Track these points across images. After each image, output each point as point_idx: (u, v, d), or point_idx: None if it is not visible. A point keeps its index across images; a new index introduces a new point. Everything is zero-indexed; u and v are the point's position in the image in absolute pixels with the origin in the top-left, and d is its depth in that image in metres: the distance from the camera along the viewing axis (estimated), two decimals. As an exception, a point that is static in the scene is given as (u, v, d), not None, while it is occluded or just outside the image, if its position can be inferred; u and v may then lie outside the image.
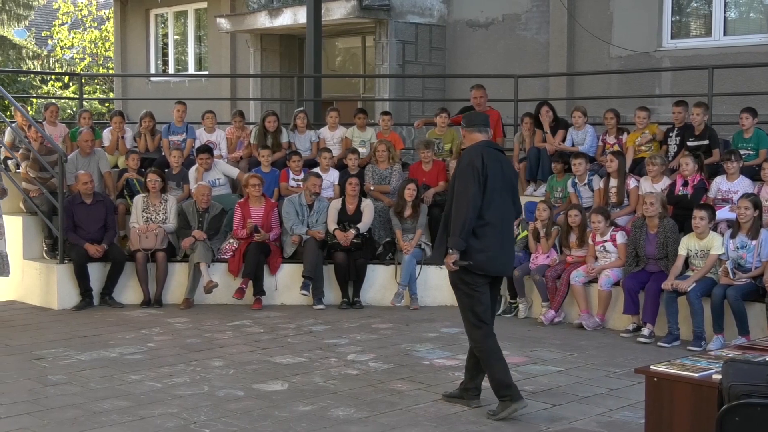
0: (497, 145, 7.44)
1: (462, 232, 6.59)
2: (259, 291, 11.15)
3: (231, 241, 11.44)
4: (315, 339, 9.45)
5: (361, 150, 12.64)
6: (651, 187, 10.35)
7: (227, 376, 7.93)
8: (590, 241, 10.22)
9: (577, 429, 6.50)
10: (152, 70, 22.34)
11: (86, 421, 6.63)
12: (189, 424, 6.58)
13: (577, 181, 11.10)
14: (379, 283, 11.46)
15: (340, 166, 12.37)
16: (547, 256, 10.50)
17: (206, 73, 21.07)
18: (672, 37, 14.53)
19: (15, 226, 11.73)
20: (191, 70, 21.81)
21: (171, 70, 22.37)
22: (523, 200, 11.37)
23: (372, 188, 12.03)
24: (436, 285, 11.39)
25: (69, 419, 6.68)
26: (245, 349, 8.98)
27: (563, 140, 12.05)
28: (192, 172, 12.16)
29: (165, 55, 22.50)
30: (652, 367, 5.09)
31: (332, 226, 11.39)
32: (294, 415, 6.81)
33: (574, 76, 15.29)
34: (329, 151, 12.31)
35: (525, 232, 10.73)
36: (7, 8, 36.49)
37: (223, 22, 19.12)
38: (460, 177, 6.74)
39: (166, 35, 22.42)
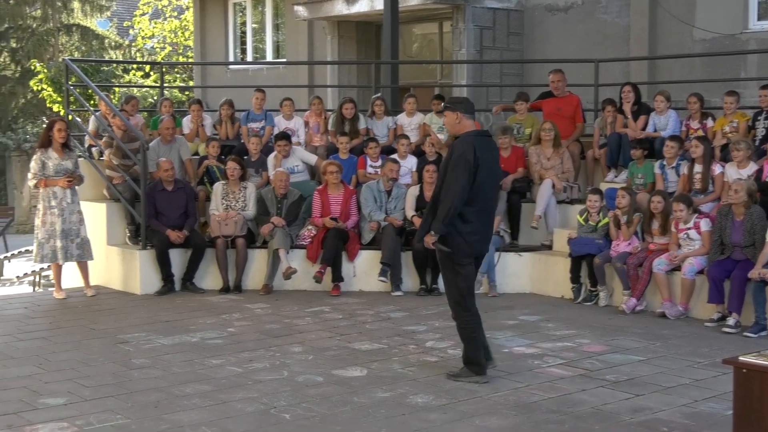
0: (487, 132, 7.84)
1: (446, 219, 7.03)
2: (337, 277, 11.18)
3: (309, 227, 11.48)
4: (393, 325, 9.44)
5: (439, 136, 12.57)
6: (737, 173, 10.10)
7: (306, 361, 7.96)
8: (673, 229, 10.02)
9: (661, 420, 6.38)
10: (231, 59, 22.53)
11: (169, 405, 6.71)
12: (269, 409, 6.62)
13: (665, 164, 10.88)
14: (458, 270, 11.38)
15: (418, 152, 12.33)
16: (629, 244, 10.32)
17: (284, 60, 21.17)
18: (759, 19, 14.17)
19: (99, 212, 11.94)
20: (269, 57, 21.94)
21: (249, 58, 22.53)
22: (604, 187, 11.29)
23: (450, 174, 11.95)
24: (514, 272, 11.30)
25: (152, 402, 6.77)
26: (324, 335, 9.01)
27: (645, 126, 11.84)
28: (271, 159, 12.23)
29: (243, 43, 22.66)
30: (740, 358, 4.97)
31: (410, 212, 11.36)
32: (373, 401, 6.80)
33: (656, 60, 15.00)
34: (407, 137, 12.28)
35: (606, 219, 10.56)
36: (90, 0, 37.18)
37: (301, 10, 19.18)
38: (452, 167, 7.05)
39: (244, 23, 22.58)
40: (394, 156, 12.00)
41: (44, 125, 11.95)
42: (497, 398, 6.87)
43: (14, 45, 37.68)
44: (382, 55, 16.14)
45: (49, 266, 12.87)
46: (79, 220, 11.04)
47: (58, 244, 10.88)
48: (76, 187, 11.17)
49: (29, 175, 11.09)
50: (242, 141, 12.98)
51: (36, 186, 11.07)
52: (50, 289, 12.89)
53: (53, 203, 10.90)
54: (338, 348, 8.45)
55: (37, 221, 11.09)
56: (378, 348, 8.43)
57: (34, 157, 11.05)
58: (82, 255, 11.09)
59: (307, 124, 13.26)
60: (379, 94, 13.54)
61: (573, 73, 13.56)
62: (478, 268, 7.70)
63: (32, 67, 28.93)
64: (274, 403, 6.73)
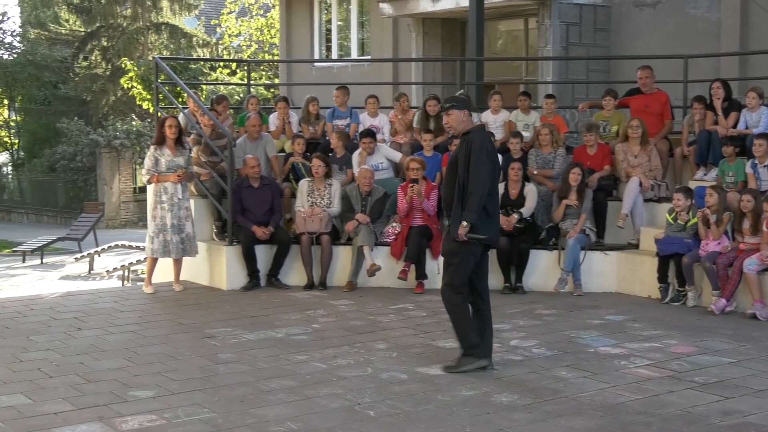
0: (486, 128, 8.26)
1: (479, 208, 7.37)
2: (421, 275, 11.18)
3: (394, 224, 11.50)
4: (477, 324, 9.39)
5: (524, 134, 12.49)
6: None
7: (390, 358, 7.98)
8: (765, 228, 9.79)
9: (752, 423, 6.24)
10: (316, 56, 22.68)
11: (254, 399, 6.78)
12: (353, 405, 6.65)
13: (757, 162, 10.64)
14: (542, 268, 11.31)
15: (503, 150, 12.25)
16: (718, 243, 10.11)
17: (368, 57, 21.23)
18: None
19: (186, 208, 12.13)
20: (354, 55, 22.02)
21: (334, 55, 22.66)
22: (693, 185, 11.08)
23: (535, 172, 11.88)
24: (600, 271, 11.17)
25: (238, 397, 6.85)
26: (408, 332, 9.02)
27: (736, 123, 11.58)
28: (355, 156, 12.28)
29: (328, 40, 22.79)
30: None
31: (495, 210, 11.30)
32: (457, 399, 6.78)
33: (748, 56, 14.68)
34: (492, 134, 12.21)
35: (695, 219, 10.37)
36: (179, -2, 37.77)
37: (386, 7, 19.21)
38: (476, 157, 7.38)
39: (329, 21, 22.71)
40: (479, 153, 11.93)
41: (140, 122, 12.16)
42: (583, 398, 6.79)
43: (105, 44, 38.48)
44: (467, 52, 16.08)
45: (139, 260, 13.12)
46: (186, 216, 11.23)
47: (168, 238, 11.10)
48: (188, 184, 11.39)
49: (143, 171, 11.35)
50: (327, 138, 13.06)
51: (149, 181, 11.31)
52: (139, 283, 13.17)
53: (164, 198, 11.12)
54: (422, 346, 8.45)
55: (149, 216, 11.32)
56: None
57: (148, 153, 11.35)
58: (185, 250, 11.28)
59: (392, 122, 13.27)
60: (463, 91, 13.49)
61: (661, 70, 13.34)
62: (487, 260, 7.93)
63: (123, 66, 29.53)
64: (359, 400, 6.76)
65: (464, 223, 7.37)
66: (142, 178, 11.71)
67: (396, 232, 11.40)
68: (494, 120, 12.94)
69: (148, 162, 11.33)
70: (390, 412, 6.49)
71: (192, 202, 12.09)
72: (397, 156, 12.50)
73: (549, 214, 11.57)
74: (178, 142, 11.29)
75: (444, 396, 6.86)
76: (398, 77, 19.83)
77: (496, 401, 6.73)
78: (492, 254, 11.02)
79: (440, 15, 18.85)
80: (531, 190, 11.40)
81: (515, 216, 11.13)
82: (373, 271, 11.10)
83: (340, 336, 8.83)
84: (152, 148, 11.32)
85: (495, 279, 11.13)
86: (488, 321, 7.73)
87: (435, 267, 11.34)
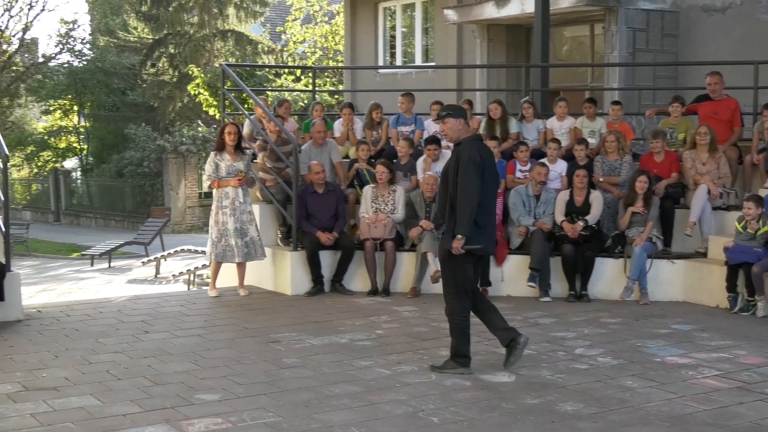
0: (481, 137, 8.32)
1: (470, 220, 7.46)
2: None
3: (458, 231, 11.46)
4: (542, 332, 9.34)
5: (590, 140, 12.39)
6: None
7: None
8: (837, 237, 9.59)
9: (824, 436, 6.12)
10: (380, 63, 22.74)
11: (319, 404, 6.81)
12: (417, 411, 6.64)
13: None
14: (608, 276, 11.20)
15: (569, 156, 12.16)
16: (789, 252, 9.93)
17: (433, 64, 21.24)
18: None
19: (252, 214, 12.23)
20: (418, 61, 22.05)
21: (398, 62, 22.70)
22: (763, 193, 10.90)
23: (601, 179, 11.76)
24: (667, 279, 11.03)
25: (303, 401, 6.88)
26: (472, 339, 8.92)
27: (808, 130, 11.38)
28: (420, 162, 12.28)
29: (392, 47, 22.85)
30: None
31: (560, 217, 11.23)
32: (521, 407, 6.74)
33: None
34: (557, 141, 12.14)
35: (765, 227, 10.19)
36: (245, 5, 38.18)
37: (450, 14, 19.21)
38: (463, 171, 7.48)
39: (393, 28, 22.77)
40: (544, 160, 11.88)
41: (206, 128, 12.31)
42: (650, 408, 6.71)
43: (172, 51, 39.00)
44: (532, 58, 16.02)
45: (204, 264, 13.26)
46: (249, 220, 11.33)
47: (231, 242, 11.22)
48: (248, 189, 11.51)
49: (204, 177, 11.46)
50: (392, 144, 13.08)
51: (210, 187, 11.45)
52: (204, 287, 13.29)
53: (225, 203, 11.24)
54: (486, 353, 8.41)
55: (211, 221, 11.45)
56: (526, 354, 8.31)
57: (209, 159, 11.47)
58: (250, 254, 11.37)
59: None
60: (528, 98, 13.43)
61: (731, 76, 13.14)
62: (484, 267, 8.13)
63: (189, 72, 29.88)
64: (423, 406, 6.75)
65: (458, 236, 7.48)
66: (204, 183, 11.82)
67: (460, 238, 11.36)
68: (559, 127, 12.85)
69: (208, 168, 11.47)
70: (454, 419, 6.48)
71: (257, 207, 12.19)
72: (461, 162, 12.46)
73: (615, 221, 11.45)
74: (238, 148, 11.41)
75: (508, 404, 6.82)
76: (462, 84, 19.80)
77: (561, 410, 6.68)
78: (557, 262, 11.06)
79: (505, 21, 18.80)
80: (597, 198, 11.30)
81: (580, 223, 11.03)
82: (437, 277, 11.08)
83: (403, 342, 8.83)
84: (213, 154, 11.46)
85: (560, 287, 11.10)
86: (491, 309, 8.00)
87: (499, 274, 11.30)
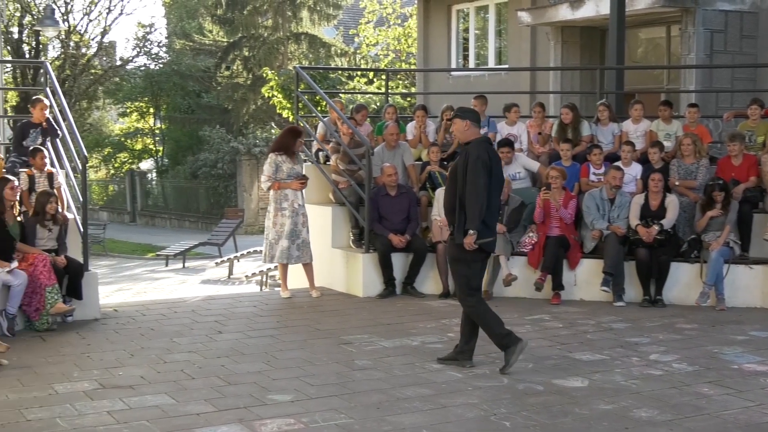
0: (490, 140, 8.42)
1: (480, 216, 7.72)
2: (558, 285, 11.06)
3: (531, 234, 11.40)
4: (615, 336, 9.24)
5: (665, 144, 12.22)
6: None
7: (526, 369, 7.91)
8: None
9: None
10: (453, 65, 22.69)
11: (390, 407, 6.82)
12: (489, 415, 6.62)
13: None
14: (683, 281, 11.03)
15: (644, 160, 12.01)
16: None
17: (506, 66, 21.13)
18: None
19: (324, 215, 12.30)
20: (491, 64, 21.95)
21: (471, 64, 22.63)
22: None
23: (677, 183, 11.60)
24: (744, 285, 10.84)
25: (374, 403, 6.90)
26: (544, 343, 8.92)
27: None
28: (492, 165, 12.21)
29: (465, 49, 22.79)
30: None
31: (634, 221, 11.10)
32: (595, 413, 6.68)
33: None
34: (631, 144, 12.00)
35: None
36: (318, 8, 38.40)
37: (524, 16, 19.10)
38: (472, 169, 7.73)
39: (466, 30, 22.71)
40: (618, 163, 11.75)
41: (279, 130, 12.43)
42: (726, 416, 6.60)
43: (246, 53, 39.38)
44: (606, 60, 15.86)
45: (276, 266, 13.36)
46: (302, 223, 11.41)
47: (285, 244, 11.30)
48: (305, 191, 11.59)
49: (263, 178, 11.54)
50: (464, 147, 13.02)
51: (269, 188, 11.50)
52: (276, 288, 13.39)
53: (284, 205, 11.32)
54: (558, 357, 8.35)
55: (268, 222, 11.52)
56: (599, 359, 8.28)
57: (268, 160, 11.49)
58: (301, 257, 11.45)
59: (529, 131, 13.17)
60: (603, 100, 13.29)
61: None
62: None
63: (264, 75, 30.13)
64: (494, 410, 6.72)
65: (471, 232, 7.71)
66: (262, 185, 11.90)
67: (533, 241, 11.31)
68: (635, 129, 12.69)
69: (268, 168, 11.45)
70: (526, 423, 6.44)
71: (329, 209, 12.27)
72: (534, 166, 12.39)
73: (691, 225, 11.29)
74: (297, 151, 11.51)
75: (581, 409, 6.76)
76: (535, 86, 19.67)
77: (635, 416, 6.60)
78: (631, 266, 10.93)
79: (579, 23, 18.63)
80: (672, 201, 11.14)
81: (656, 227, 10.89)
82: (509, 280, 11.04)
83: (476, 345, 8.77)
84: (273, 155, 11.45)
85: (634, 291, 10.97)
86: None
87: (572, 278, 11.21)
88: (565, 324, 9.82)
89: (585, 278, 11.24)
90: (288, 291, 11.51)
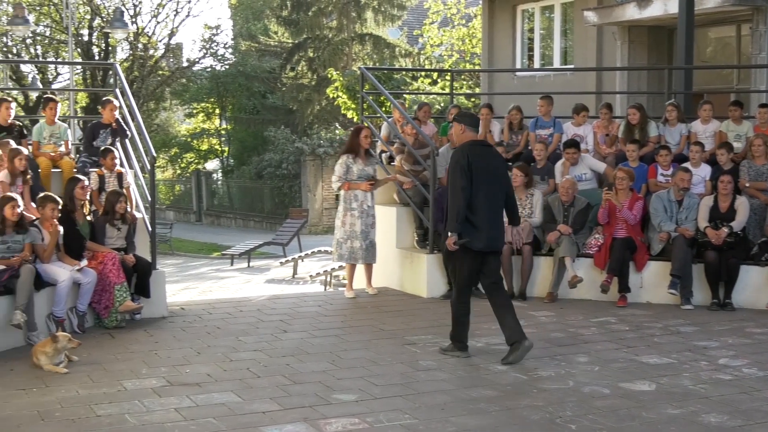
0: (484, 142, 8.76)
1: (458, 218, 8.00)
2: (624, 288, 10.93)
3: (597, 236, 11.29)
4: (683, 340, 9.11)
5: (735, 144, 12.02)
6: None
7: (592, 372, 7.83)
8: None
9: None
10: (518, 65, 22.57)
11: (455, 408, 6.80)
12: (554, 418, 6.56)
13: None
14: (754, 284, 10.83)
15: (713, 161, 11.82)
16: None
17: (571, 67, 20.96)
18: None
19: (389, 216, 12.30)
20: (556, 64, 21.79)
21: (536, 64, 22.49)
22: None
23: (747, 185, 11.40)
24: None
25: (439, 404, 6.88)
26: (610, 346, 8.83)
27: None
28: (558, 166, 12.14)
29: (530, 49, 22.66)
30: None
31: (703, 223, 10.93)
32: (662, 417, 6.59)
33: None
34: (700, 145, 11.82)
35: None
36: (383, 9, 38.48)
37: (590, 15, 18.94)
38: (451, 173, 8.11)
39: (531, 30, 22.58)
40: (686, 164, 11.58)
41: (344, 131, 12.48)
42: (798, 423, 6.47)
43: (311, 54, 39.61)
44: (675, 60, 15.67)
45: (341, 266, 13.42)
46: (371, 224, 11.45)
47: (356, 244, 11.35)
48: (375, 193, 11.63)
49: (334, 178, 11.61)
50: (529, 148, 12.96)
51: (339, 189, 11.57)
52: (340, 288, 13.45)
53: (354, 205, 11.37)
54: (625, 360, 8.25)
55: (338, 222, 11.59)
56: (667, 362, 8.16)
57: (340, 161, 11.56)
58: (367, 257, 11.50)
59: (595, 132, 13.04)
60: (672, 101, 13.12)
61: None
62: (495, 263, 8.48)
63: (328, 75, 30.26)
64: (560, 413, 6.67)
65: (450, 234, 8.11)
66: (333, 185, 11.96)
67: (599, 243, 11.20)
68: (704, 130, 12.50)
69: (339, 169, 11.53)
70: (592, 426, 6.38)
71: (394, 209, 12.27)
72: (601, 167, 12.26)
73: (762, 228, 11.09)
74: (368, 152, 11.49)
75: (649, 413, 6.67)
76: (602, 86, 19.49)
77: (704, 421, 6.50)
78: (699, 269, 10.77)
79: (647, 23, 18.42)
80: (742, 204, 10.95)
81: (725, 230, 10.71)
82: (574, 282, 10.95)
83: (540, 347, 8.72)
84: (344, 156, 11.54)
85: (702, 295, 10.82)
86: (506, 306, 8.36)
87: (639, 280, 11.08)
88: (631, 327, 9.71)
89: (652, 281, 11.10)
90: (352, 291, 11.55)
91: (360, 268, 11.80)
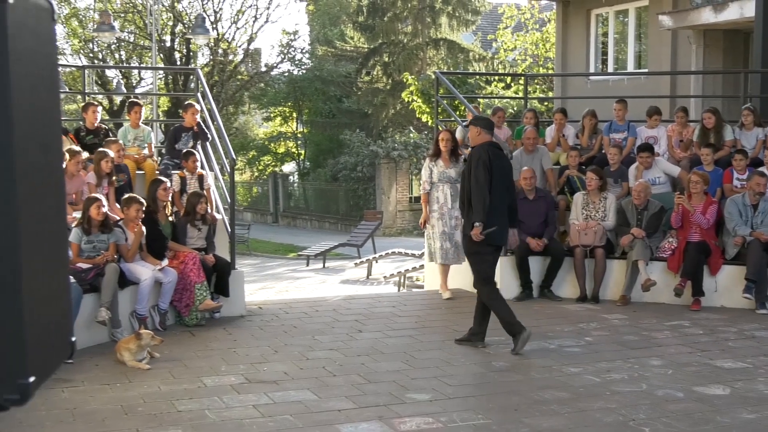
0: (497, 144, 8.91)
1: (484, 209, 8.37)
2: (698, 291, 10.76)
3: (670, 239, 11.14)
4: (758, 345, 8.93)
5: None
6: None
7: (666, 375, 7.73)
8: None
9: None
10: (591, 69, 22.35)
11: (527, 409, 6.76)
12: (627, 421, 6.48)
13: None
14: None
15: (790, 165, 11.58)
16: None
17: (645, 70, 20.69)
18: None
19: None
20: (630, 68, 21.54)
21: (610, 68, 22.25)
22: None
23: (824, 189, 11.14)
24: None
25: (511, 405, 6.85)
26: (684, 349, 8.70)
27: None
28: (632, 169, 12.00)
29: (604, 54, 22.42)
30: None
31: (779, 227, 10.72)
32: (737, 422, 6.47)
33: None
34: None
35: None
36: (457, 14, 38.43)
37: (665, 19, 18.68)
38: (475, 169, 8.44)
39: (605, 34, 22.34)
40: (762, 169, 11.36)
41: (418, 134, 12.51)
42: None
43: (386, 59, 39.69)
44: (751, 63, 15.35)
45: (414, 267, 13.44)
46: (454, 225, 11.44)
47: (438, 245, 11.38)
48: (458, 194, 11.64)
49: (422, 181, 11.72)
50: (603, 151, 12.84)
51: (424, 191, 11.66)
52: (414, 289, 13.45)
53: (434, 207, 11.42)
54: (699, 364, 8.12)
55: (427, 224, 11.67)
56: (742, 367, 8.02)
57: (424, 165, 11.67)
58: (446, 258, 11.49)
59: (669, 136, 12.86)
60: (748, 104, 12.87)
61: None
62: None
63: (404, 80, 30.30)
64: (633, 416, 6.58)
65: (477, 224, 8.35)
66: (420, 188, 12.03)
67: (673, 247, 11.04)
68: (780, 134, 12.26)
69: (423, 173, 11.72)
70: (666, 430, 6.28)
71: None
72: (675, 170, 12.10)
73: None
74: (453, 155, 11.49)
75: (723, 417, 6.56)
76: (676, 90, 19.21)
77: (779, 427, 6.38)
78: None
79: (722, 26, 18.09)
80: (820, 208, 10.71)
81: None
82: (648, 286, 10.81)
83: (613, 350, 8.65)
84: (426, 159, 11.67)
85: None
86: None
87: (713, 284, 10.90)
88: (705, 330, 9.56)
89: (726, 285, 10.91)
90: (448, 291, 11.56)
91: (437, 271, 11.81)
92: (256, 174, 49.51)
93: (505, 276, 11.43)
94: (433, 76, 14.56)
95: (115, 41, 38.24)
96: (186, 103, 12.28)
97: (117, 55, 41.49)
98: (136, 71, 42.65)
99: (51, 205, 1.90)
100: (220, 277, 10.30)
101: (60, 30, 39.11)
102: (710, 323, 9.92)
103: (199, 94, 12.71)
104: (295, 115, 47.65)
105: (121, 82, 39.23)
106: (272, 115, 48.72)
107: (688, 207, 10.87)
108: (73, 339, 1.91)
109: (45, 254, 1.85)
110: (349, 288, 21.19)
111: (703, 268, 10.83)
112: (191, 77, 34.34)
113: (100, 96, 39.05)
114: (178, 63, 39.77)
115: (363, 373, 7.80)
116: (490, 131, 8.80)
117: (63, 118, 18.40)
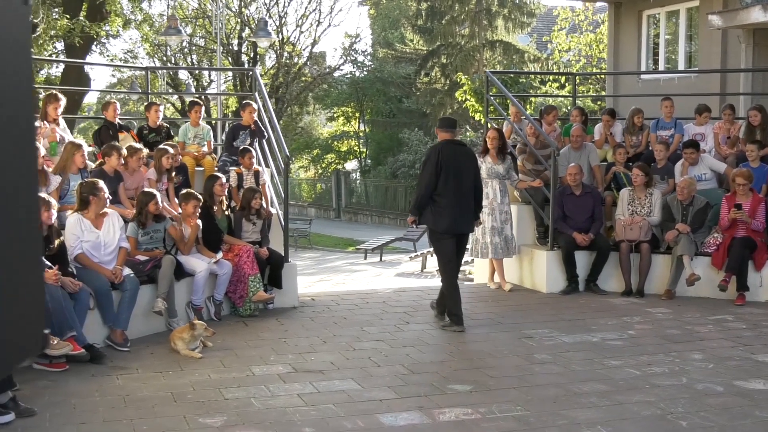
0: (457, 141, 9.26)
1: (417, 204, 8.98)
2: (742, 286, 10.44)
3: (715, 235, 10.83)
4: (802, 340, 8.63)
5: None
6: None
7: (706, 369, 7.48)
8: None
9: None
10: (643, 69, 21.94)
11: (566, 401, 6.58)
12: (666, 414, 6.27)
13: None
14: None
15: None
16: None
17: (696, 69, 20.24)
18: None
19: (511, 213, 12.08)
20: (681, 67, 21.08)
21: (661, 68, 21.81)
22: None
23: None
24: None
25: (551, 397, 6.67)
26: (726, 344, 8.42)
27: None
28: (678, 166, 11.71)
29: (655, 53, 21.98)
30: None
31: (825, 223, 10.36)
32: (776, 417, 6.22)
33: None
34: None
35: None
36: (513, 17, 38.09)
37: (715, 19, 18.22)
38: (422, 166, 9.04)
39: (657, 35, 21.90)
40: (809, 165, 11.00)
41: (474, 133, 12.34)
42: None
43: (444, 61, 39.50)
44: (799, 61, 14.90)
45: (465, 261, 13.26)
46: (505, 219, 11.28)
47: (487, 239, 11.21)
48: (507, 190, 11.46)
49: None
50: (650, 148, 12.55)
51: None
52: (467, 282, 13.28)
53: (484, 203, 11.22)
54: (741, 358, 7.85)
55: None
56: (783, 362, 7.74)
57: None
58: (507, 252, 11.32)
59: (716, 133, 12.53)
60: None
61: None
62: (463, 245, 9.21)
63: (458, 80, 30.10)
64: (671, 409, 6.36)
65: (410, 215, 9.14)
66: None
67: (717, 242, 10.73)
68: (828, 131, 11.85)
69: None
70: (704, 424, 6.06)
71: (515, 207, 12.05)
72: (721, 167, 11.77)
73: None
74: (501, 152, 11.30)
75: (762, 412, 6.31)
76: (725, 88, 18.73)
77: (819, 422, 6.11)
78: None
79: (772, 25, 17.61)
80: None
81: None
82: (692, 280, 10.52)
83: (655, 344, 8.41)
84: (477, 157, 11.41)
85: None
86: (456, 290, 9.14)
87: (758, 279, 10.57)
88: (748, 325, 9.26)
89: (772, 280, 10.58)
90: (509, 283, 11.42)
91: (486, 264, 11.64)
92: (320, 171, 49.64)
93: (551, 270, 11.24)
94: (485, 76, 14.36)
95: (186, 45, 38.51)
96: (243, 102, 12.25)
97: (188, 59, 41.83)
98: (206, 73, 42.98)
99: (21, 202, 1.79)
100: (273, 270, 10.26)
101: (134, 34, 39.56)
102: (754, 318, 9.61)
103: (256, 94, 12.68)
104: (357, 114, 47.66)
105: (192, 83, 39.54)
106: (335, 114, 48.81)
107: (745, 220, 10.51)
108: (46, 331, 1.82)
109: (12, 248, 1.75)
110: (403, 281, 21.05)
111: (747, 263, 10.51)
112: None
113: (174, 96, 39.44)
114: (246, 65, 39.94)
115: (407, 364, 7.68)
116: (447, 130, 9.16)
117: (128, 117, 18.49)
